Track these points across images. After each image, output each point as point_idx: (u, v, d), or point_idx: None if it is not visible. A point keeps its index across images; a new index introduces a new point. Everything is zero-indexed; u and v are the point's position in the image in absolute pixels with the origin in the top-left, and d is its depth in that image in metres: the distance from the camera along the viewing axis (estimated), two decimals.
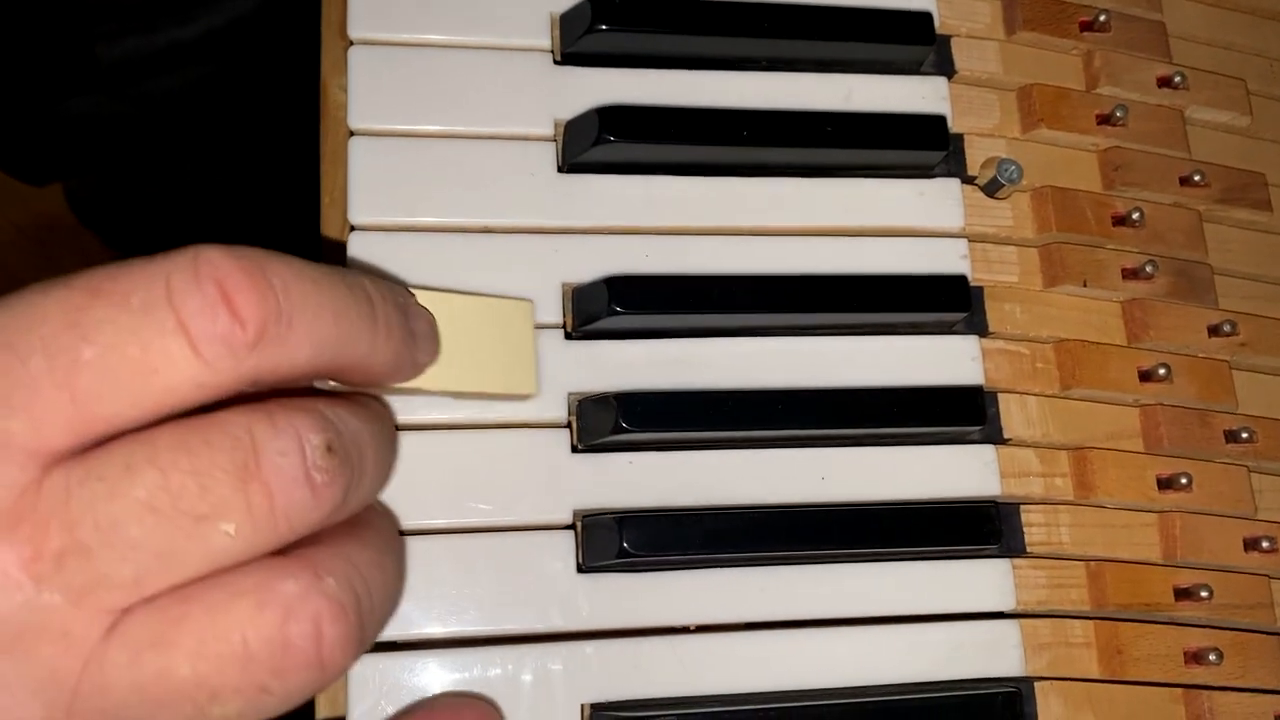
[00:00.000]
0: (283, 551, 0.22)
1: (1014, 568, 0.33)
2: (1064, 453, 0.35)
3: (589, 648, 0.30)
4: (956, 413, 0.34)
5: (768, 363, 0.33)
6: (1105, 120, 0.38)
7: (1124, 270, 0.37)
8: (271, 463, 0.21)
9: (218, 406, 0.22)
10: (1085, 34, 0.39)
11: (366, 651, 0.25)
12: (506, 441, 0.31)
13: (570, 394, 0.32)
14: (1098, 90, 0.39)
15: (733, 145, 0.34)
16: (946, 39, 0.38)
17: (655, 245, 0.34)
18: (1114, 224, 0.37)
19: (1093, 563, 0.34)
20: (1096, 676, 0.33)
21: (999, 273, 0.36)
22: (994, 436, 0.35)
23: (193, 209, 0.73)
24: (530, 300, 0.31)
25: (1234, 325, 0.37)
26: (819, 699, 0.31)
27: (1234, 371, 0.37)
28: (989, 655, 0.32)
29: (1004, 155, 0.37)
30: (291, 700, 0.22)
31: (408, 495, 0.30)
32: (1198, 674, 0.34)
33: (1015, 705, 0.32)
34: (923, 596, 0.32)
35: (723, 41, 0.35)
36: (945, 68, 0.38)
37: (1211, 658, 0.33)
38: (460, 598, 0.30)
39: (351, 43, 0.33)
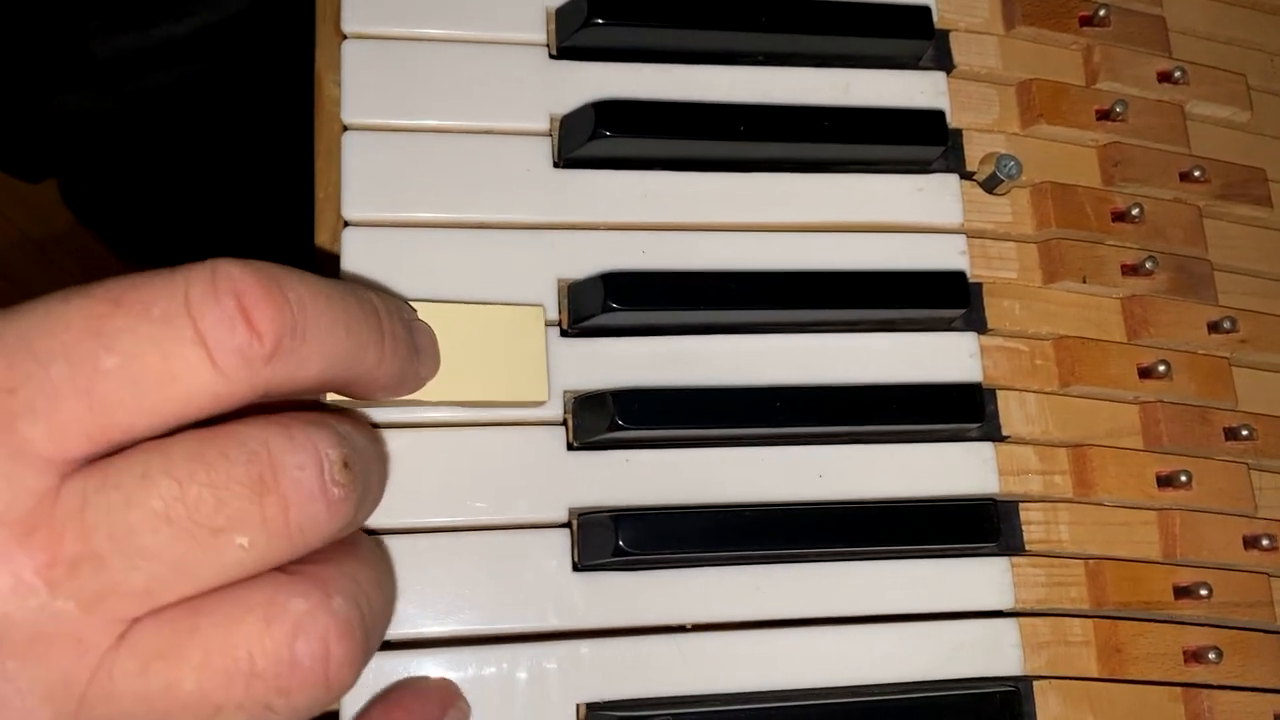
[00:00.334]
0: (295, 564, 0.22)
1: (1013, 566, 0.33)
2: (1063, 450, 0.35)
3: (584, 647, 0.30)
4: (955, 410, 0.34)
5: (765, 359, 0.33)
6: (1105, 115, 0.38)
7: (1124, 266, 0.37)
8: (290, 477, 0.21)
9: (229, 417, 0.22)
10: (1085, 29, 0.39)
11: None
12: (502, 439, 0.31)
13: (566, 391, 0.32)
14: (1097, 85, 0.39)
15: (730, 140, 0.34)
16: (945, 33, 0.38)
17: (652, 241, 0.33)
18: (1114, 220, 0.37)
19: (1092, 561, 0.34)
20: (1095, 675, 0.33)
21: (998, 269, 0.36)
22: (993, 434, 0.34)
23: (188, 205, 0.73)
24: (541, 305, 0.31)
25: (1234, 322, 0.37)
26: (816, 698, 0.31)
27: (1234, 368, 0.37)
28: (987, 654, 0.32)
29: (1003, 151, 0.36)
30: (296, 718, 0.22)
31: (403, 494, 0.29)
32: (1197, 673, 0.33)
33: (1014, 704, 0.31)
34: (921, 595, 0.32)
35: (719, 35, 0.35)
36: (944, 62, 0.37)
37: (1211, 656, 0.33)
38: (455, 597, 0.29)
39: (345, 37, 0.33)
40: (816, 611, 0.32)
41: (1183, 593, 0.34)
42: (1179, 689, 0.33)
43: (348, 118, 0.32)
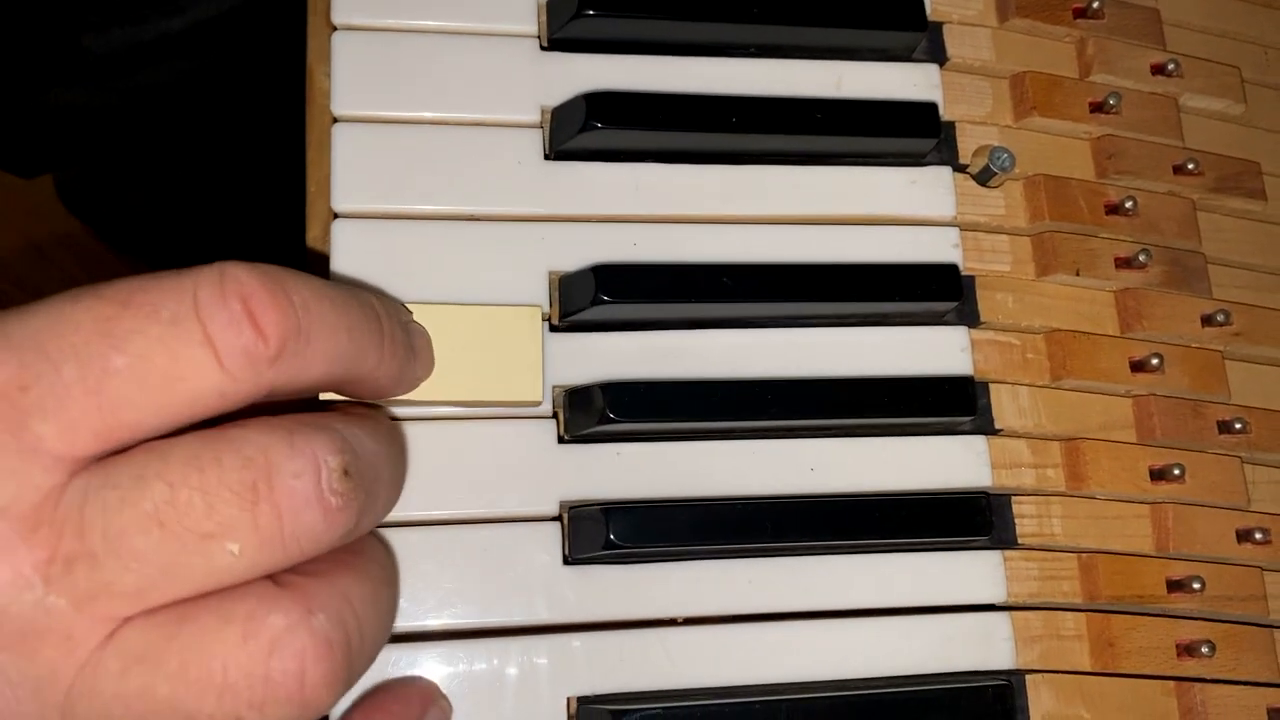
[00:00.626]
0: (292, 572, 0.22)
1: (1005, 559, 0.33)
2: (1056, 443, 0.35)
3: (575, 640, 0.30)
4: (947, 403, 0.34)
5: (756, 353, 0.33)
6: (1098, 108, 0.38)
7: (1117, 259, 0.37)
8: (285, 485, 0.22)
9: (235, 416, 0.22)
10: (1078, 21, 0.39)
11: None
12: (492, 433, 0.31)
13: (556, 385, 0.32)
14: (1091, 78, 0.38)
15: (721, 132, 0.34)
16: (938, 25, 0.38)
17: (643, 233, 0.33)
18: (1107, 213, 0.37)
19: (1084, 554, 0.34)
20: (1088, 669, 0.33)
21: (991, 262, 0.36)
22: (985, 427, 0.34)
23: (183, 200, 0.73)
24: (538, 306, 0.30)
25: (1228, 315, 0.37)
26: (807, 692, 0.30)
27: (1227, 361, 0.37)
28: (980, 647, 0.32)
29: (996, 143, 0.36)
30: None
31: None
32: (1190, 666, 0.33)
33: (1006, 698, 0.31)
34: (913, 588, 0.32)
35: (711, 27, 0.35)
36: (937, 55, 0.37)
37: (1204, 650, 0.33)
38: (445, 590, 0.29)
39: (335, 28, 0.33)
40: (807, 605, 0.31)
41: (1175, 586, 0.34)
42: (1172, 683, 0.33)
43: (337, 109, 0.32)
